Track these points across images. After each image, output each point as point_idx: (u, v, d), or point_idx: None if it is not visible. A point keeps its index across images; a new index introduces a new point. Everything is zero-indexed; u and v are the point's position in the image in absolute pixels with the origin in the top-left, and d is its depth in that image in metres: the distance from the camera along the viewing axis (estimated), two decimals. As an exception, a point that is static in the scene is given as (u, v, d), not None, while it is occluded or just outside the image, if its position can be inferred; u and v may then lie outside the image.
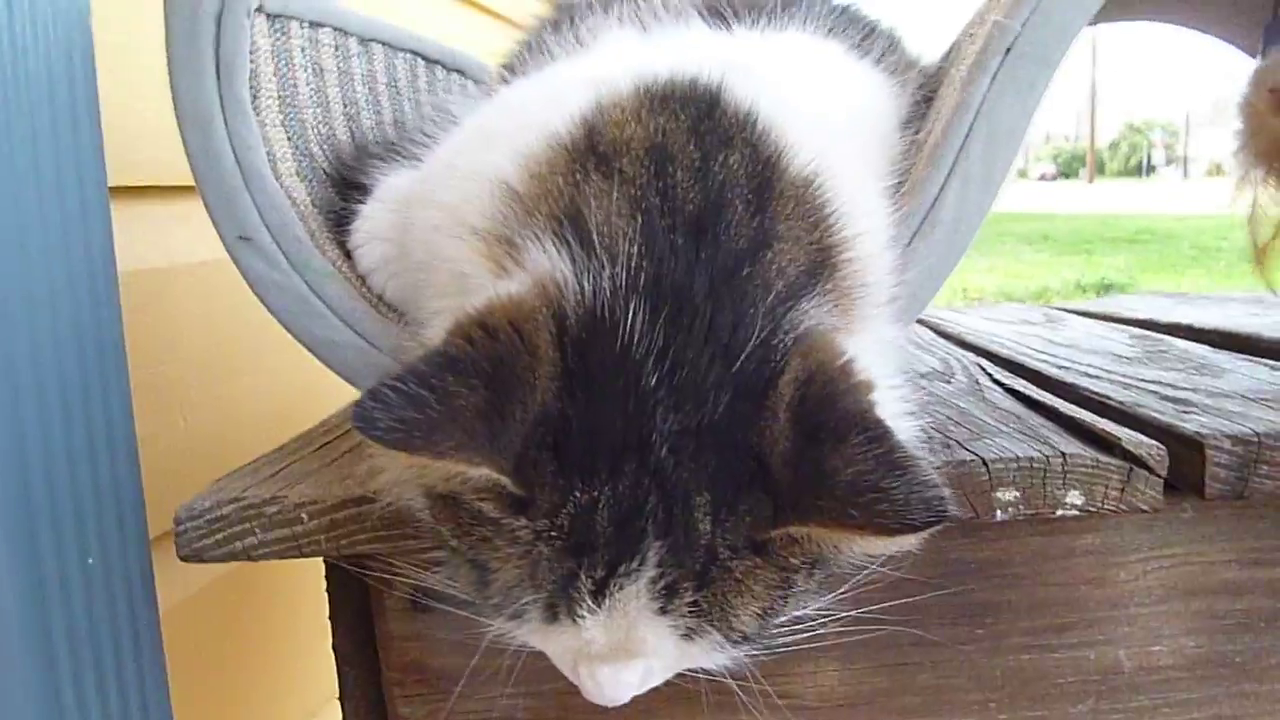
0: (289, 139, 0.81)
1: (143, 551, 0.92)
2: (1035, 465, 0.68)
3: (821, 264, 0.62)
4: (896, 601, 0.73)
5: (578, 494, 0.55)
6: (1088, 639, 0.75)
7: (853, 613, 0.70)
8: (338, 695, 0.82)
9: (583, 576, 0.55)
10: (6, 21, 0.76)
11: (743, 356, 0.56)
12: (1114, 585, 0.75)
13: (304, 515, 0.70)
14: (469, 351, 0.55)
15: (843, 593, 0.68)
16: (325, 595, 0.80)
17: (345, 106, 0.92)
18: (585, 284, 0.57)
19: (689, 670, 0.67)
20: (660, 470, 0.55)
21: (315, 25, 0.90)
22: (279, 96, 0.81)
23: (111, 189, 0.93)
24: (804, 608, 0.63)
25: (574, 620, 0.57)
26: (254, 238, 0.75)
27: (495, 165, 0.65)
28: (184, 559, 0.71)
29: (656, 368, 0.55)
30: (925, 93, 0.87)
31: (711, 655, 0.61)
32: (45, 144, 0.80)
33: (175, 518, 0.71)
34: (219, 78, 0.74)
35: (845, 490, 0.53)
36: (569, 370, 0.56)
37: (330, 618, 0.80)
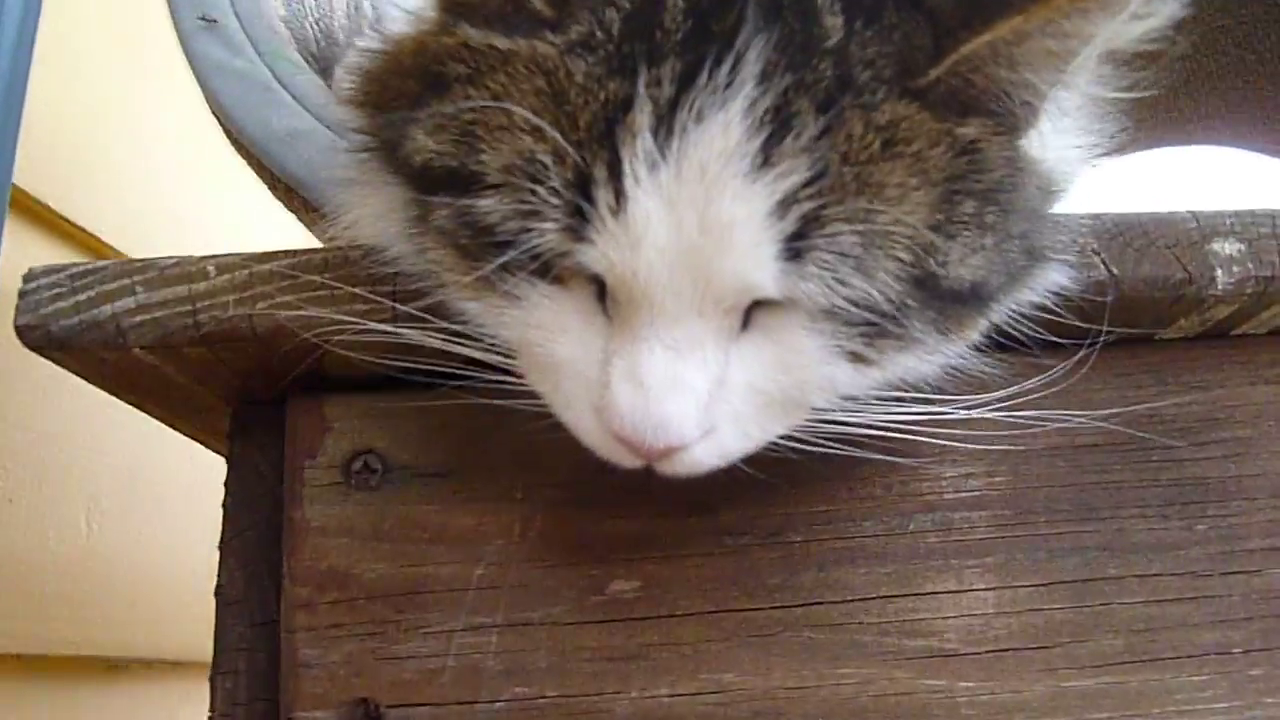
0: (280, -10, 0.70)
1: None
2: (1259, 214, 0.48)
3: None
4: (1071, 479, 0.49)
5: None
6: (1367, 543, 0.49)
7: (1009, 489, 0.46)
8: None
9: (641, 94, 0.34)
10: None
11: None
12: (1389, 459, 0.50)
13: (210, 269, 0.49)
14: None
15: (1001, 400, 0.45)
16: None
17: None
18: None
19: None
20: None
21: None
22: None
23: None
24: (981, 259, 0.39)
25: (619, 195, 0.34)
26: (219, 21, 0.61)
27: None
28: (22, 334, 0.48)
29: None
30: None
31: (827, 329, 0.37)
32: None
33: (25, 274, 0.49)
34: None
35: None
36: None
37: (224, 514, 0.53)
